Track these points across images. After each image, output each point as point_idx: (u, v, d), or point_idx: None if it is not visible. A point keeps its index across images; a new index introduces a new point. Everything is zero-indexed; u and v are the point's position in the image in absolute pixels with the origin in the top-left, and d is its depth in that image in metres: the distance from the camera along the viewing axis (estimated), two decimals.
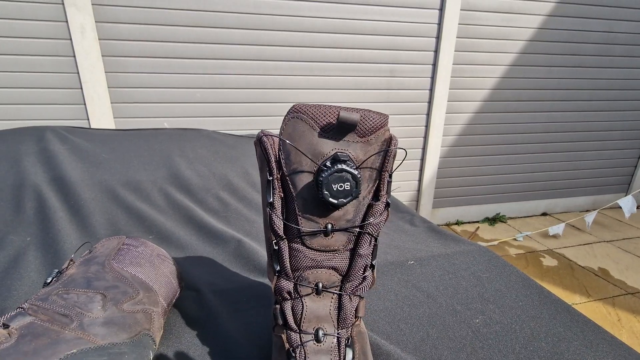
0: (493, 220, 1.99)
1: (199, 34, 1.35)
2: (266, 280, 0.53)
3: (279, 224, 0.27)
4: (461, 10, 1.56)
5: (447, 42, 1.58)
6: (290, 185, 0.26)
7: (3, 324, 0.31)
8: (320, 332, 0.28)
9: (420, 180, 1.83)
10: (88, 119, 1.37)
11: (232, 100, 1.47)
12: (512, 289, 0.51)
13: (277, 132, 1.39)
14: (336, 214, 0.27)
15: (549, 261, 1.61)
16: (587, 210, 2.16)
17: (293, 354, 0.27)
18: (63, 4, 1.22)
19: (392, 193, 1.74)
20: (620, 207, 1.90)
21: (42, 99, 1.30)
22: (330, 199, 0.25)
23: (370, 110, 0.25)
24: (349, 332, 0.29)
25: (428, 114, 1.71)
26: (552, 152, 1.95)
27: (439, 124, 1.72)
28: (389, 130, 0.26)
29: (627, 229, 1.92)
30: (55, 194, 0.77)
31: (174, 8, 1.30)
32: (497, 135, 1.84)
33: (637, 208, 2.15)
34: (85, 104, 1.35)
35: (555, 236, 1.81)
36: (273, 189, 0.26)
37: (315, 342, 0.27)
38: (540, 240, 1.79)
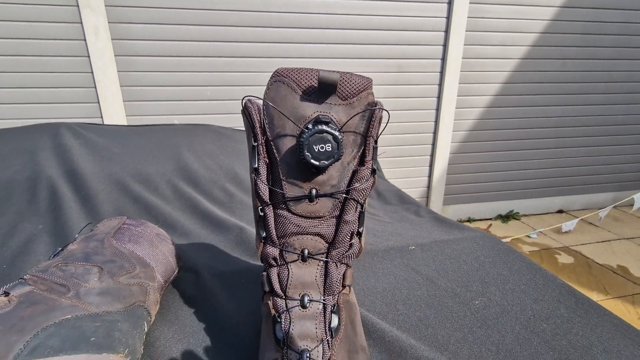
0: (506, 217, 1.94)
1: (208, 33, 1.37)
2: None
3: (263, 190, 0.27)
4: (470, 3, 1.53)
5: (456, 36, 1.56)
6: (275, 150, 0.26)
7: (4, 291, 0.32)
8: (306, 298, 0.28)
9: (430, 176, 1.80)
10: (102, 117, 1.40)
11: (241, 98, 1.49)
12: (515, 273, 0.50)
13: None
14: (320, 178, 0.27)
15: (564, 258, 1.56)
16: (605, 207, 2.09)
17: (279, 320, 0.27)
18: (78, 5, 1.26)
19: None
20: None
21: (58, 98, 1.35)
22: (312, 161, 0.25)
23: (352, 73, 0.25)
24: (336, 299, 0.29)
25: (437, 110, 1.68)
26: (567, 147, 1.90)
27: (448, 119, 1.69)
28: (372, 94, 0.26)
29: None
30: (67, 186, 0.79)
31: (184, 7, 1.32)
32: (509, 130, 1.80)
33: None
34: (99, 103, 1.38)
35: (567, 232, 1.76)
36: (258, 154, 0.26)
37: (300, 307, 0.27)
38: (555, 237, 1.74)
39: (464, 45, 1.59)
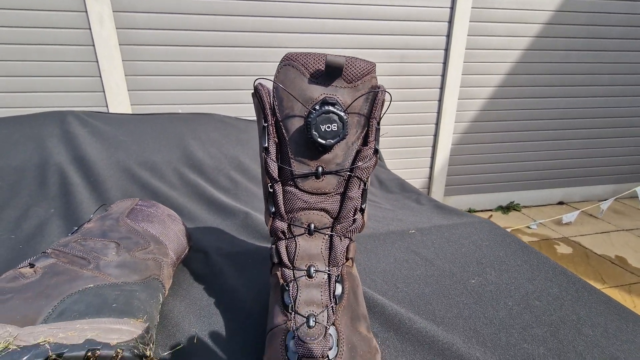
0: (507, 208, 1.96)
1: (212, 22, 1.38)
2: None
3: (273, 168, 0.29)
4: None
5: (460, 27, 1.56)
6: (284, 130, 0.28)
7: (29, 263, 0.34)
8: (312, 269, 0.30)
9: (431, 167, 1.82)
10: (107, 106, 1.42)
11: (244, 87, 1.50)
12: (511, 255, 0.52)
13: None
14: (326, 157, 0.29)
15: (563, 249, 1.58)
16: (606, 200, 2.10)
17: (287, 288, 0.29)
18: None
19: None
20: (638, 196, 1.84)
21: (64, 87, 1.36)
22: (319, 140, 0.26)
23: (357, 57, 0.27)
24: (340, 270, 0.31)
25: (440, 100, 1.69)
26: (569, 139, 1.91)
27: (451, 110, 1.70)
28: (376, 77, 0.28)
29: None
30: (76, 172, 0.81)
31: None
32: (511, 122, 1.81)
33: None
34: (104, 92, 1.40)
35: (567, 223, 1.77)
36: (268, 134, 0.28)
37: (307, 277, 0.30)
38: (555, 228, 1.75)
39: (468, 36, 1.59)
